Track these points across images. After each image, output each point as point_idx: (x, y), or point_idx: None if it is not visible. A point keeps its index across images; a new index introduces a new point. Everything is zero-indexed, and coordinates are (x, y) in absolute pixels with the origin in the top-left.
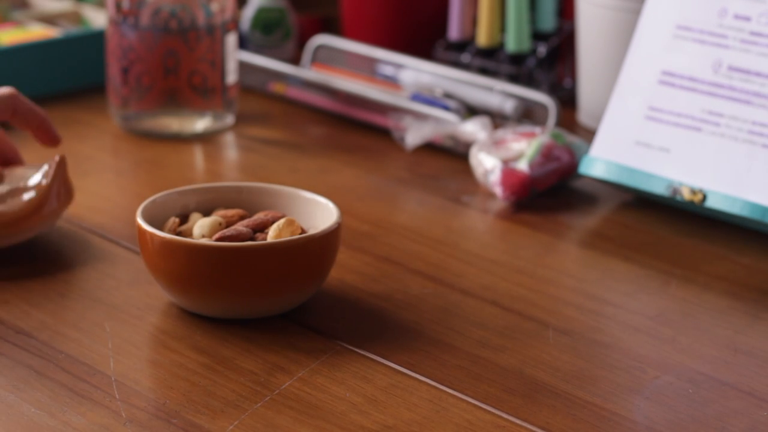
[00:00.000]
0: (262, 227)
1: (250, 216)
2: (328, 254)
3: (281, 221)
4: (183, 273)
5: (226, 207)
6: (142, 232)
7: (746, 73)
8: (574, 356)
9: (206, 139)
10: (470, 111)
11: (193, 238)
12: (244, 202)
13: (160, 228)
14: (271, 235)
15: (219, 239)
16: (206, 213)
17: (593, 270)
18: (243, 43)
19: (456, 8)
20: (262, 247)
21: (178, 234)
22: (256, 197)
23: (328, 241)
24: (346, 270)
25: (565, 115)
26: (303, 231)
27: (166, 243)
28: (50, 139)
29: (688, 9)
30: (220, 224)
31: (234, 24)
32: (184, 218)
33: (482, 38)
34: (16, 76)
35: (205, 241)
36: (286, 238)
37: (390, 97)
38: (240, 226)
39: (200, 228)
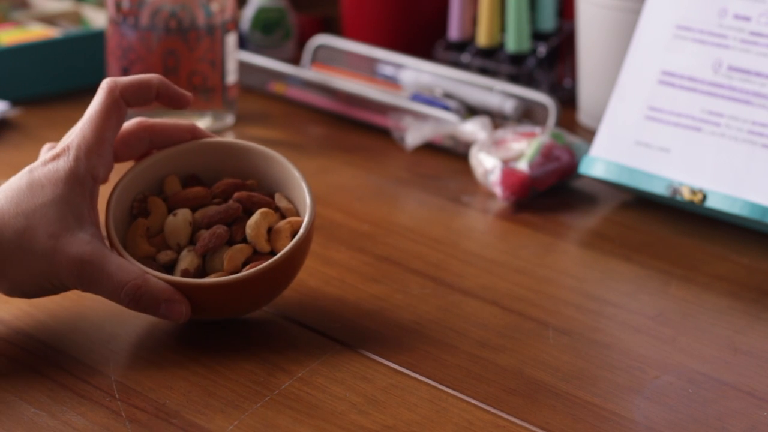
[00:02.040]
0: (233, 218)
1: (209, 195)
2: (308, 248)
3: (257, 217)
4: None
5: (187, 169)
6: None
7: (746, 73)
8: (574, 356)
9: None
10: (470, 111)
11: (170, 250)
12: (200, 164)
13: (126, 228)
14: (250, 233)
15: (202, 251)
16: (160, 183)
17: (593, 270)
18: (243, 43)
19: (456, 8)
20: (260, 273)
21: (147, 230)
22: (215, 156)
23: (308, 238)
24: (346, 270)
25: (565, 115)
26: (275, 209)
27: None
28: (176, 101)
29: (688, 9)
30: (190, 223)
31: (234, 24)
32: (143, 201)
33: (482, 38)
34: (16, 76)
35: (193, 280)
36: (285, 251)
37: (390, 97)
38: (215, 228)
39: (173, 236)
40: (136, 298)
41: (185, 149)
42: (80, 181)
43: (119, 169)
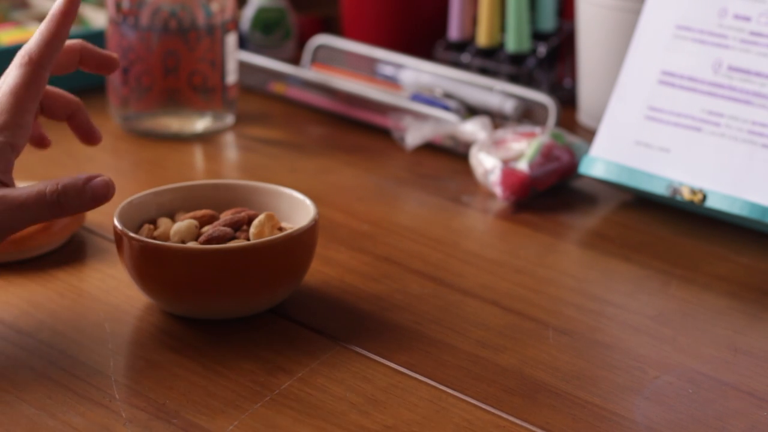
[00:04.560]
0: (239, 225)
1: (217, 215)
2: (313, 245)
3: (261, 217)
4: (178, 278)
5: (197, 207)
6: (130, 240)
7: (746, 73)
8: (574, 356)
9: (206, 139)
10: (470, 111)
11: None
12: (215, 199)
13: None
14: (253, 231)
15: (206, 241)
16: (170, 214)
17: (593, 270)
18: (243, 43)
19: (456, 8)
20: (267, 244)
21: (154, 239)
22: (229, 194)
23: (314, 231)
24: (346, 270)
25: (565, 115)
26: (280, 229)
27: (162, 250)
28: (87, 135)
29: (688, 9)
30: (196, 227)
31: (234, 24)
32: (150, 223)
33: (482, 38)
34: None
35: (213, 246)
36: (287, 231)
37: (390, 97)
38: (220, 226)
39: (177, 234)
40: (61, 193)
41: (193, 187)
42: None
43: None
